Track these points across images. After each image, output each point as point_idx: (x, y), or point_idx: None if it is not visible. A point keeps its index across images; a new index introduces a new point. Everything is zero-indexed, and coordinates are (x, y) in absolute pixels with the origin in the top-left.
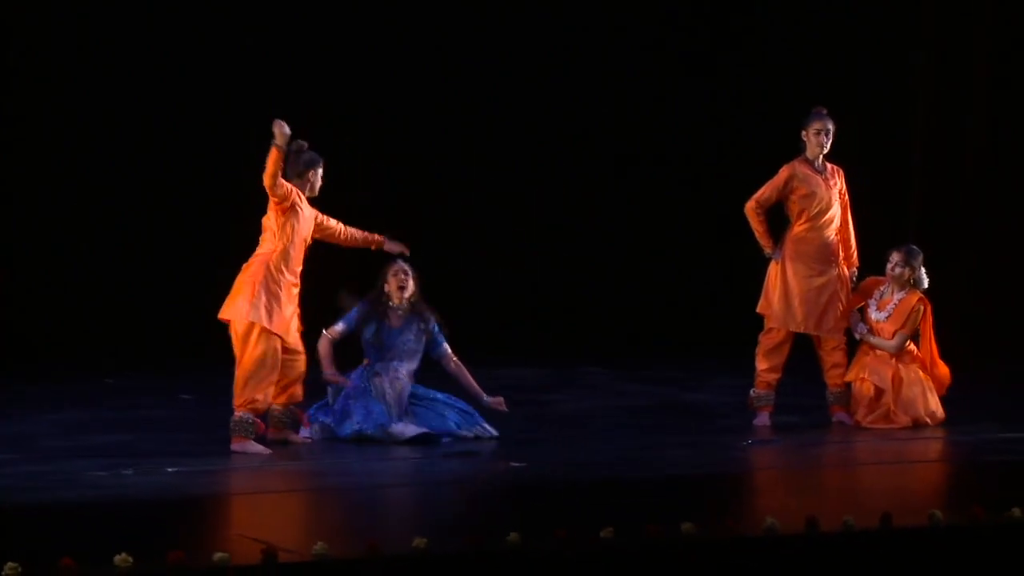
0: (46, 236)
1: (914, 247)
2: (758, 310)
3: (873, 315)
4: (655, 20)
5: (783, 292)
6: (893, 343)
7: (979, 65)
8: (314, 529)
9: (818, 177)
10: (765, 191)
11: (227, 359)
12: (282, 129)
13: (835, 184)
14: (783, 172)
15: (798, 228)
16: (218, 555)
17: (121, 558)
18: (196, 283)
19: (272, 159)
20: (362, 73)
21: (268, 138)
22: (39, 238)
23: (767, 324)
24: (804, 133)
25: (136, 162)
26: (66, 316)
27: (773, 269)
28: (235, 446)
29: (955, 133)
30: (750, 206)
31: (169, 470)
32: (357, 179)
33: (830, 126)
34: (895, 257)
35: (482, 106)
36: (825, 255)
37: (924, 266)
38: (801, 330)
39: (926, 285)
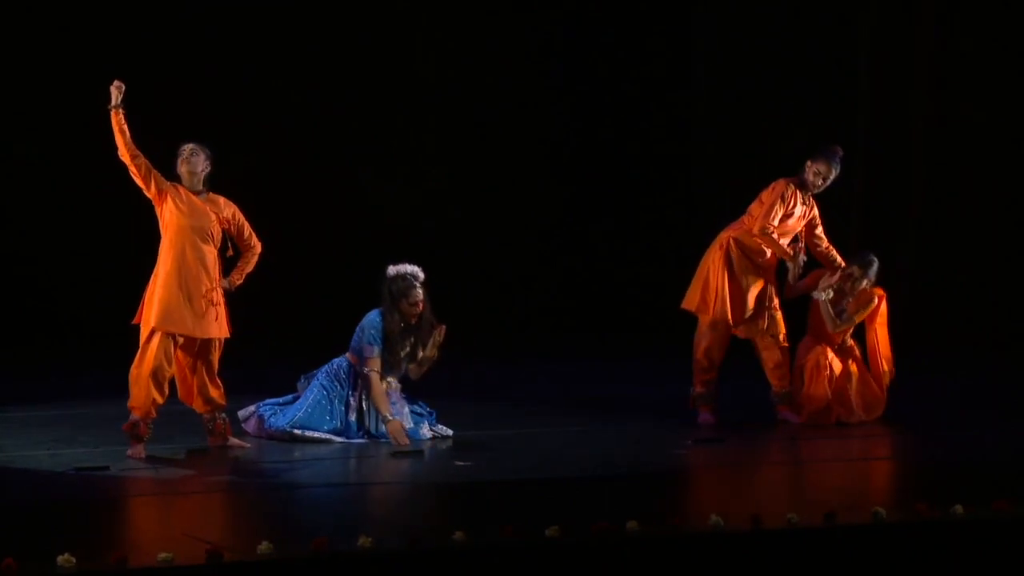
0: None
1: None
2: (693, 309)
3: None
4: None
5: (721, 288)
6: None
7: (920, 62)
8: (259, 528)
9: (803, 207)
10: (775, 211)
11: None
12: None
13: (808, 215)
14: (780, 186)
15: (752, 228)
16: (162, 555)
17: (64, 558)
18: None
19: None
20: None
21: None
22: None
23: (703, 320)
24: (812, 165)
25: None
26: (12, 311)
27: (714, 264)
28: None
29: (898, 126)
30: (766, 231)
31: (113, 469)
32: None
33: (834, 174)
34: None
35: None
36: (764, 257)
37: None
38: (733, 329)
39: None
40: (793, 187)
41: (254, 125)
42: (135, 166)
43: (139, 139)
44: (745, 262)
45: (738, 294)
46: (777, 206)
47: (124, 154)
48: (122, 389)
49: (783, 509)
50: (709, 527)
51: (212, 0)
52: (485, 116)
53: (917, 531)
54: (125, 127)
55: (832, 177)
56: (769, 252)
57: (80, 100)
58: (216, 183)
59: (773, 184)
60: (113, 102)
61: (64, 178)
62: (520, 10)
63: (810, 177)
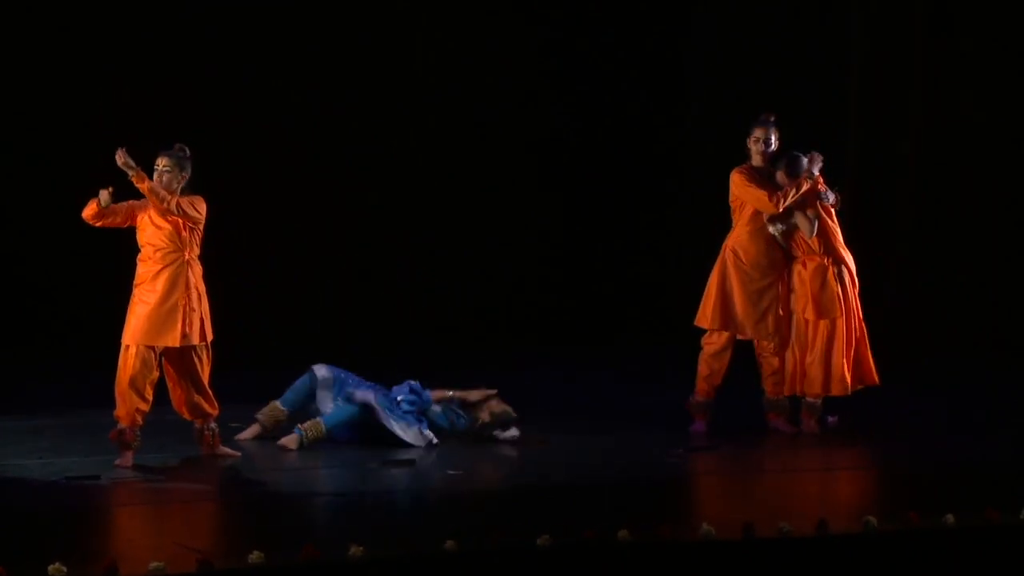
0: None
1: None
2: (696, 323)
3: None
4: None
5: (723, 296)
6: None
7: (918, 62)
8: (250, 537)
9: (767, 181)
10: (756, 189)
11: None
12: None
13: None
14: (738, 174)
15: (741, 232)
16: (153, 564)
17: (55, 567)
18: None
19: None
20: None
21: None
22: None
23: (708, 329)
24: (749, 139)
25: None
26: (10, 312)
27: (713, 277)
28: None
29: (897, 126)
30: (774, 205)
31: (104, 479)
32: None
33: (773, 136)
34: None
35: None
36: (769, 258)
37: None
38: (739, 334)
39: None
40: (745, 167)
41: (254, 125)
42: (103, 225)
43: (139, 140)
44: (744, 270)
45: (736, 303)
46: (751, 185)
47: (88, 220)
48: (114, 398)
49: (775, 518)
50: (701, 536)
51: (212, 0)
52: (485, 116)
53: (909, 539)
54: (97, 211)
55: (771, 136)
56: (763, 251)
57: (81, 100)
58: (216, 183)
59: (731, 180)
60: (102, 202)
61: (64, 179)
62: (520, 10)
63: (751, 146)
